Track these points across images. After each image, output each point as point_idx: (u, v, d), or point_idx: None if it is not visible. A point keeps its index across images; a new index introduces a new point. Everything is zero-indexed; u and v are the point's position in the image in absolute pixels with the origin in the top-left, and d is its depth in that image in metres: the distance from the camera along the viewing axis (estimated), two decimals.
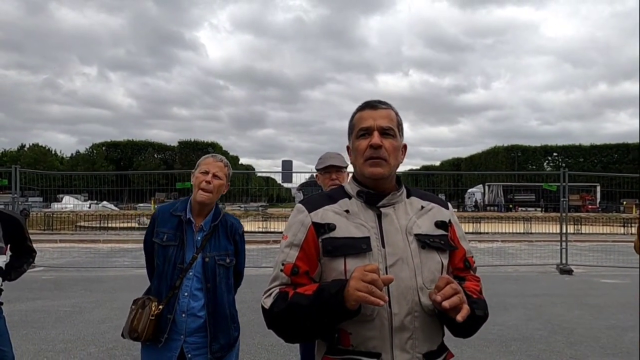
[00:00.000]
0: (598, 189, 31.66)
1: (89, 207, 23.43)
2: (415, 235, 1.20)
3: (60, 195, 22.32)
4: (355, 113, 1.28)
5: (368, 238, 1.17)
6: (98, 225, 17.42)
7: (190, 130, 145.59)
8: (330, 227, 1.19)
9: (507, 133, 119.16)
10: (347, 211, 1.22)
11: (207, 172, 2.00)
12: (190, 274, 1.96)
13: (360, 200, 1.24)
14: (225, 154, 62.48)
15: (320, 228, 1.19)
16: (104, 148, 59.09)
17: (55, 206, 19.89)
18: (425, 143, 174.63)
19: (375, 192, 1.23)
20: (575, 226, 16.77)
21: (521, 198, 35.89)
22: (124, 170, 43.74)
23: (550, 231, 13.89)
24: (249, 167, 57.44)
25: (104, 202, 24.32)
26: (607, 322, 5.29)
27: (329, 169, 2.46)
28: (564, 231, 9.42)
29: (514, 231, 16.89)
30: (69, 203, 22.47)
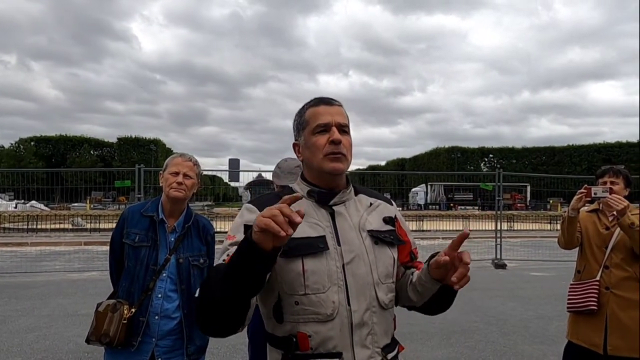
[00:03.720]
0: (528, 188, 34.04)
1: (15, 207, 21.54)
2: (368, 231, 1.22)
3: None
4: (306, 109, 1.25)
5: (324, 237, 1.16)
6: (25, 226, 16.05)
7: (127, 125, 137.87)
8: None
9: (444, 135, 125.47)
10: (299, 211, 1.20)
11: (177, 173, 1.97)
12: (164, 275, 1.93)
13: (311, 200, 1.23)
14: (168, 151, 60.13)
15: None
16: (32, 143, 54.60)
17: None
18: (368, 143, 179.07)
19: (326, 191, 1.23)
20: (509, 223, 17.92)
21: (460, 197, 37.79)
22: (56, 167, 40.70)
23: (486, 228, 14.73)
24: None
25: (33, 202, 22.41)
26: (536, 312, 5.70)
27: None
28: (498, 228, 10.04)
29: (454, 228, 17.75)
30: None
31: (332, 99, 1.26)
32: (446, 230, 17.16)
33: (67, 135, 57.10)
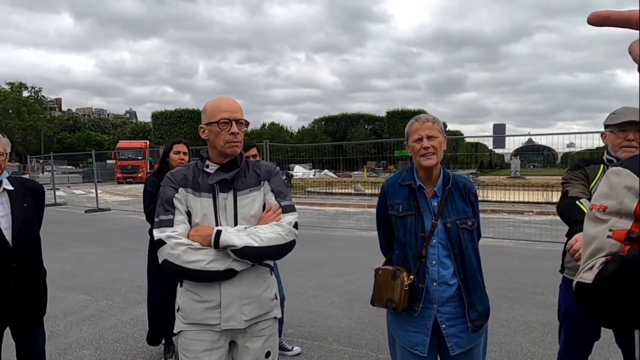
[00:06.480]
0: None
1: (314, 175, 26.83)
2: None
3: (292, 165, 26.31)
4: None
5: None
6: (323, 190, 19.78)
7: (389, 100, 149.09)
8: None
9: None
10: None
11: (420, 139, 1.92)
12: (434, 241, 1.90)
13: None
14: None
15: None
16: (323, 122, 66.29)
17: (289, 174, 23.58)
18: None
19: None
20: None
21: None
22: (339, 141, 48.17)
23: None
24: (457, 133, 54.95)
25: (325, 170, 27.43)
26: None
27: (625, 127, 1.98)
28: None
29: None
30: (299, 171, 26.25)
31: None
32: None
33: (346, 113, 66.45)
